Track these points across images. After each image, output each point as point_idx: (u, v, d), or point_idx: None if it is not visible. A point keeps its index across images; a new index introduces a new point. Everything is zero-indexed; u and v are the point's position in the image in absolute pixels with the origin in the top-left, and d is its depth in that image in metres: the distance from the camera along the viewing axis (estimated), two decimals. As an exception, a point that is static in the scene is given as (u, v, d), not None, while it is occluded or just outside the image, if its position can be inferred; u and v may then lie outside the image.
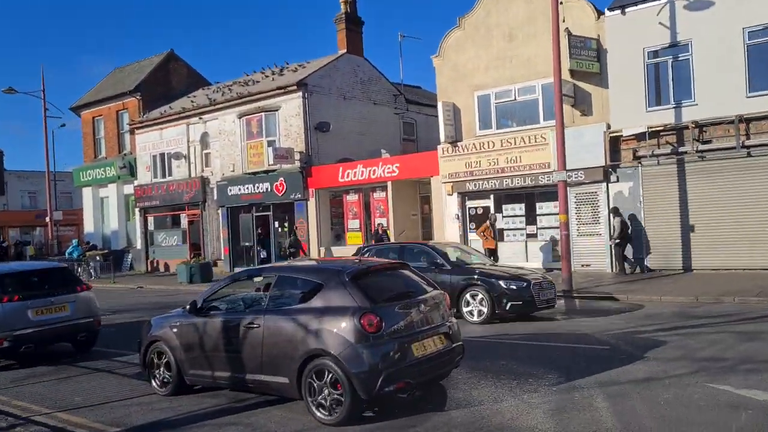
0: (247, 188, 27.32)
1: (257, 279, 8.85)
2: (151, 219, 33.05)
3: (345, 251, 23.44)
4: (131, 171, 33.14)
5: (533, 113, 20.26)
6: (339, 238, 26.01)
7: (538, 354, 9.99)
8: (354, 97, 27.55)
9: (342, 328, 6.70)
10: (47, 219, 35.62)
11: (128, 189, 34.29)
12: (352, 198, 25.29)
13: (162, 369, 8.50)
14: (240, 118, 27.71)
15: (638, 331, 11.18)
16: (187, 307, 8.32)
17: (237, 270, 23.30)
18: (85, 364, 10.97)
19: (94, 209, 36.72)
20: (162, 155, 31.63)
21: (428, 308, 7.31)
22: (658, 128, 17.92)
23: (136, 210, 33.49)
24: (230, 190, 28.06)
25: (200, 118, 29.52)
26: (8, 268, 12.43)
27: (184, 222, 31.35)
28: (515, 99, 20.57)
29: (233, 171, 28.11)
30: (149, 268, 32.65)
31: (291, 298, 7.63)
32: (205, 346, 7.97)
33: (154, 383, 8.64)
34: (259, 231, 27.28)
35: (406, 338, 6.84)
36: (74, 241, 33.76)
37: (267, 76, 28.93)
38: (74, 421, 7.64)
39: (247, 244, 28.17)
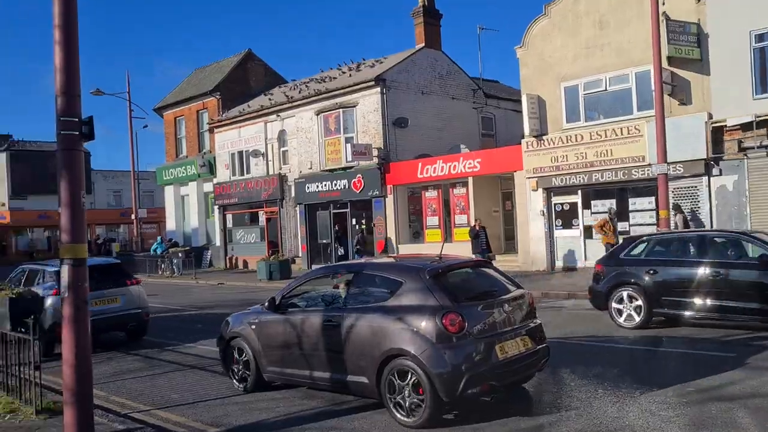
0: (325, 185, 27.24)
1: (336, 276, 8.78)
2: (229, 216, 33.54)
3: (424, 249, 22.97)
4: (211, 169, 33.74)
5: (626, 104, 19.19)
6: (417, 235, 25.56)
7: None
8: (432, 91, 27.03)
9: (423, 327, 6.52)
10: (132, 217, 36.72)
11: (208, 187, 34.93)
12: (431, 194, 24.80)
13: (241, 365, 8.50)
14: (317, 115, 27.67)
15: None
16: (266, 304, 8.26)
17: (314, 267, 23.26)
18: (178, 359, 10.94)
19: (176, 207, 37.62)
20: (240, 153, 32.03)
21: (512, 308, 7.02)
22: (766, 117, 16.60)
23: (215, 208, 34.06)
24: (308, 188, 28.06)
25: (278, 116, 29.68)
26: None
27: (262, 219, 31.63)
28: (606, 89, 19.54)
29: (311, 168, 28.11)
30: (228, 265, 33.15)
31: (370, 296, 7.48)
32: (282, 344, 7.92)
33: (233, 379, 8.66)
34: (337, 228, 27.16)
35: (489, 339, 6.59)
36: (158, 238, 34.72)
37: (344, 73, 28.77)
38: (173, 420, 7.48)
39: (324, 241, 28.11)
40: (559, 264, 20.81)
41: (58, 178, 6.34)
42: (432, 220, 24.78)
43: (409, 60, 26.60)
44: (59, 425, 7.13)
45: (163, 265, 31.73)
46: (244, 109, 31.94)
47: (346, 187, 26.30)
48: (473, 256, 15.55)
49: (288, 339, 7.84)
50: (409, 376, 6.51)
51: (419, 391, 6.44)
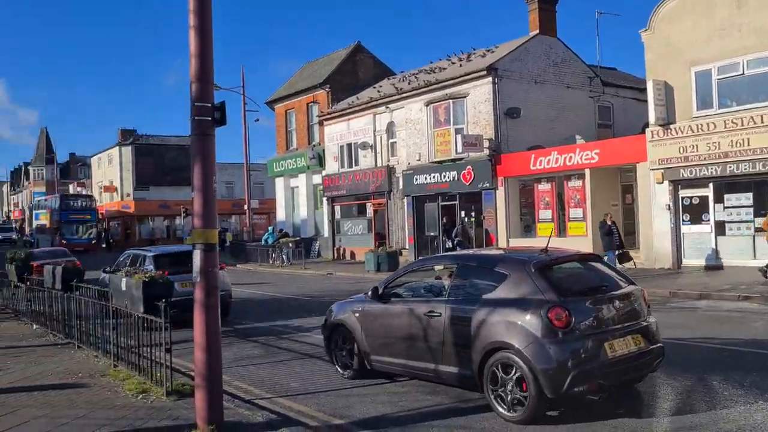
0: (434, 177, 26.92)
1: (439, 267, 8.74)
2: (338, 208, 33.94)
3: (536, 244, 22.17)
4: (320, 161, 34.26)
5: (767, 89, 17.59)
6: (529, 229, 24.75)
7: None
8: (546, 80, 26.04)
9: (527, 321, 6.36)
10: (245, 207, 37.97)
11: (317, 179, 35.53)
12: (544, 187, 23.91)
13: (344, 352, 8.63)
14: (427, 106, 27.38)
15: None
16: (369, 293, 8.34)
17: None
18: (295, 348, 10.99)
19: (286, 198, 38.56)
20: (349, 145, 32.31)
21: (624, 305, 6.74)
22: None
23: (324, 199, 34.58)
24: (416, 179, 27.86)
25: (387, 108, 29.65)
26: (161, 250, 15.88)
27: (369, 211, 31.78)
28: (743, 73, 17.99)
29: (419, 160, 27.88)
30: (335, 256, 33.58)
31: (473, 287, 7.37)
32: (385, 333, 7.96)
33: (336, 365, 8.82)
34: (445, 221, 26.79)
35: (598, 336, 6.34)
36: (269, 229, 35.72)
37: (454, 63, 28.29)
38: (296, 408, 7.41)
39: (432, 233, 27.83)
40: (688, 262, 19.42)
41: (192, 163, 6.38)
42: (544, 214, 23.89)
43: (522, 48, 25.75)
44: (189, 407, 7.23)
45: (273, 255, 32.60)
46: (353, 102, 32.17)
47: (456, 178, 25.86)
48: (586, 251, 14.66)
49: (390, 328, 7.87)
50: (513, 370, 6.37)
51: (522, 386, 6.27)
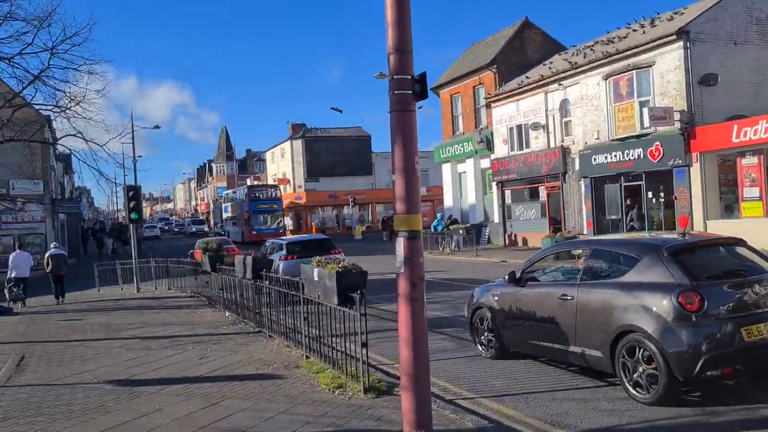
0: (615, 156, 24.87)
1: (576, 251, 8.90)
2: (508, 192, 32.72)
3: (740, 225, 19.61)
4: (488, 145, 33.20)
5: None
6: (730, 209, 22.02)
7: None
8: (747, 41, 22.96)
9: (658, 305, 6.42)
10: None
11: (485, 163, 34.51)
12: (749, 161, 21.06)
13: (485, 333, 9.04)
14: (605, 79, 25.32)
15: None
16: (506, 277, 8.69)
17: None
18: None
19: (453, 184, 37.94)
20: (519, 127, 30.93)
21: (766, 290, 6.48)
22: None
23: (493, 184, 33.50)
24: (594, 159, 25.93)
25: (560, 85, 27.90)
26: (290, 239, 21.15)
27: (542, 194, 30.25)
28: None
29: (597, 138, 25.91)
30: (506, 242, 32.41)
31: (605, 271, 7.51)
32: (521, 315, 8.25)
33: (478, 346, 9.27)
34: (629, 202, 24.67)
35: (734, 320, 6.21)
36: (438, 215, 35.34)
37: (635, 30, 25.91)
38: (505, 413, 6.66)
39: (613, 217, 25.81)
40: None
41: (391, 142, 5.81)
42: (750, 192, 21.07)
43: (717, 6, 22.87)
44: (388, 406, 6.78)
45: (443, 242, 32.14)
46: (522, 81, 30.72)
47: (641, 156, 23.66)
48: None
49: (525, 310, 8.14)
50: (643, 352, 6.45)
51: (653, 369, 6.33)
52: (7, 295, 19.27)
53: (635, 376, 6.54)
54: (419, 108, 34.62)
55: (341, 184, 60.49)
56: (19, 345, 11.97)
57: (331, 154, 61.78)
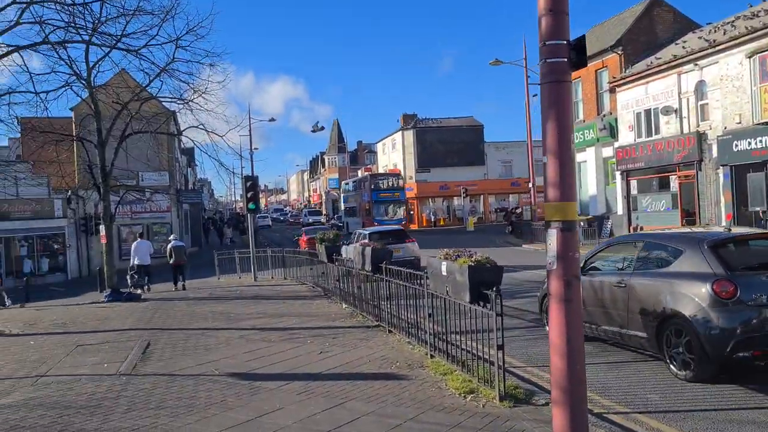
0: (760, 141, 22.47)
1: (631, 244, 9.43)
2: (633, 182, 30.61)
3: None
4: (611, 132, 31.23)
5: None
6: None
7: None
8: None
9: (695, 292, 7.10)
10: (529, 185, 36.50)
11: (607, 152, 32.55)
12: None
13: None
14: (749, 57, 22.89)
15: None
16: None
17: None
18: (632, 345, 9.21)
19: (572, 174, 36.06)
20: (647, 112, 28.79)
21: None
22: None
23: (617, 173, 31.47)
24: (735, 146, 23.58)
25: (695, 65, 25.61)
26: (373, 229, 24.56)
27: (673, 184, 27.99)
28: None
29: (739, 123, 23.53)
30: (631, 236, 30.36)
31: (654, 262, 8.23)
32: (584, 301, 8.22)
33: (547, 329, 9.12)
34: (776, 193, 22.25)
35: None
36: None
37: (785, 2, 23.27)
38: (670, 433, 5.73)
39: (758, 208, 23.37)
40: None
41: (542, 118, 5.03)
42: None
43: None
44: (530, 418, 6.04)
45: (562, 235, 30.57)
46: (651, 62, 28.53)
47: (792, 142, 21.21)
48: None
49: (587, 297, 8.41)
50: (683, 335, 7.20)
51: (691, 350, 7.08)
52: (129, 282, 20.91)
53: (675, 355, 7.34)
54: (534, 96, 33.02)
55: (452, 175, 59.52)
56: (146, 332, 12.17)
57: (443, 145, 60.93)
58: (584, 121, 34.10)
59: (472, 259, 7.03)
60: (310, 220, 68.31)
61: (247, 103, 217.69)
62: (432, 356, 8.62)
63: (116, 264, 37.55)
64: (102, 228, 19.49)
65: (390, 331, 10.71)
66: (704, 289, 6.96)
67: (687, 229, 10.33)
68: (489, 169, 62.20)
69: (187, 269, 23.12)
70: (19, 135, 22.51)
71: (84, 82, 17.30)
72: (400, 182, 51.88)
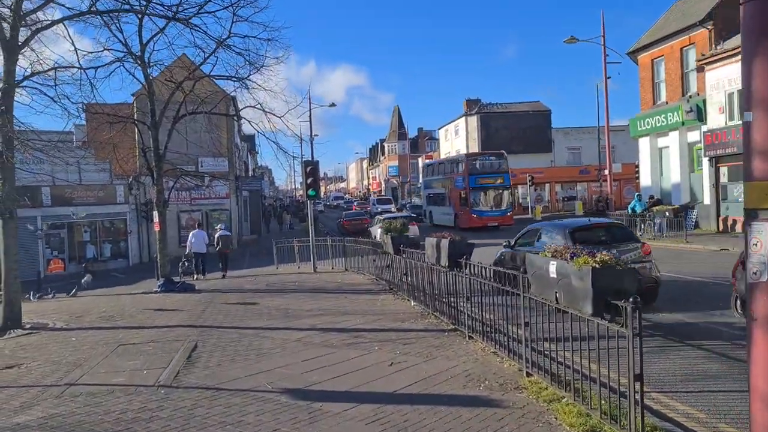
0: None
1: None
2: (723, 170, 27.93)
3: None
4: (698, 115, 28.57)
5: None
6: None
7: None
8: None
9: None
10: (605, 173, 34.15)
11: (693, 136, 29.88)
12: None
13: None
14: None
15: None
16: (504, 244, 13.55)
17: None
18: None
19: (651, 161, 33.54)
20: (741, 92, 26.10)
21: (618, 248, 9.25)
22: None
23: (704, 160, 28.81)
24: None
25: (802, 38, 22.85)
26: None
27: (772, 172, 25.28)
28: None
29: None
30: (720, 227, 27.78)
31: (541, 239, 11.91)
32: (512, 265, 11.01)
33: None
34: None
35: None
36: (636, 196, 31.44)
37: None
38: None
39: None
40: None
41: (745, 56, 3.36)
42: None
43: None
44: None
45: (643, 226, 28.27)
46: (748, 36, 25.80)
47: None
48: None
49: (514, 263, 11.17)
50: None
51: None
52: (179, 269, 21.68)
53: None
54: (616, 75, 30.23)
55: (518, 162, 56.98)
56: (195, 330, 11.00)
57: (508, 131, 58.59)
58: (667, 103, 31.46)
59: (597, 259, 5.38)
60: (379, 209, 57.86)
61: (308, 86, 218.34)
62: (529, 374, 7.05)
63: (175, 251, 37.44)
64: (155, 214, 18.57)
65: (470, 337, 9.17)
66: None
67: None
68: (556, 156, 59.52)
69: (228, 258, 23.29)
70: (75, 123, 21.94)
71: (135, 58, 16.28)
72: (504, 164, 40.96)
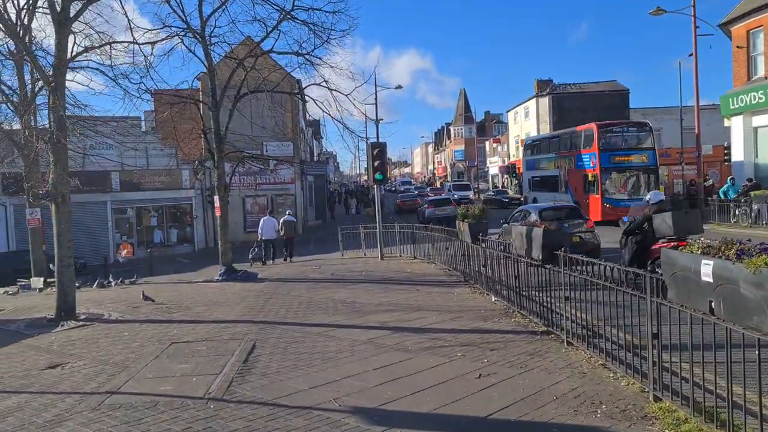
0: None
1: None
2: (832, 150, 25.17)
3: None
4: (805, 90, 25.80)
5: None
6: None
7: None
8: None
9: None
10: (695, 155, 31.61)
11: (795, 114, 27.09)
12: None
13: None
14: None
15: None
16: (502, 222, 17.06)
17: None
18: None
19: (746, 141, 30.74)
20: None
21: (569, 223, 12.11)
22: None
23: (809, 140, 26.06)
24: None
25: None
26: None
27: None
28: None
29: None
30: (827, 215, 25.03)
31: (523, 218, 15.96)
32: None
33: None
34: None
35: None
36: (729, 180, 28.91)
37: None
38: None
39: None
40: None
41: None
42: None
43: None
44: None
45: (737, 212, 25.84)
46: None
47: None
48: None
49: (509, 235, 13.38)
50: None
51: None
52: (250, 255, 22.47)
53: None
54: (689, 55, 27.26)
55: (595, 145, 54.45)
56: (254, 327, 9.98)
57: (582, 112, 55.74)
58: (766, 78, 28.68)
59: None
60: (456, 196, 48.66)
61: (373, 69, 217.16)
62: (657, 398, 5.63)
63: (240, 236, 37.11)
64: (216, 199, 17.75)
65: (569, 343, 7.78)
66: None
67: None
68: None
69: (294, 244, 23.98)
70: (144, 110, 21.47)
71: (195, 33, 15.39)
72: (649, 138, 30.27)
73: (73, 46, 12.15)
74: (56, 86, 10.93)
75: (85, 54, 12.32)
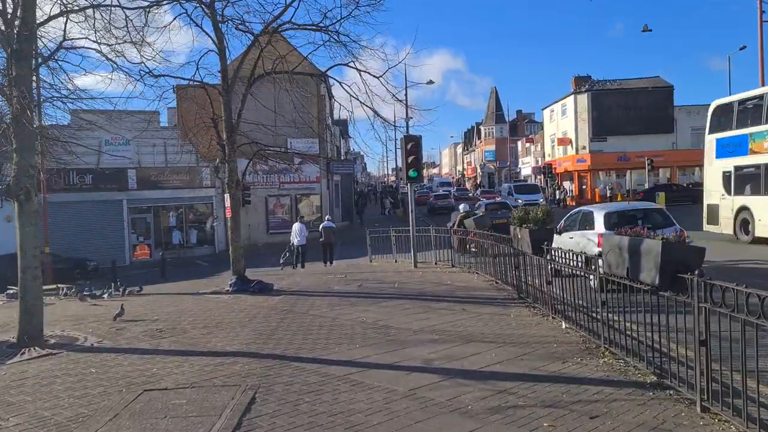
0: None
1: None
2: None
3: None
4: None
5: None
6: None
7: None
8: None
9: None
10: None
11: None
12: None
13: None
14: None
15: None
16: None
17: None
18: None
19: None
20: None
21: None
22: None
23: None
24: None
25: None
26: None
27: None
28: None
29: None
30: None
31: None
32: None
33: None
34: None
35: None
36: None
37: None
38: None
39: None
40: None
41: None
42: None
43: None
44: None
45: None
46: None
47: None
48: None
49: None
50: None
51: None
52: (281, 260, 23.28)
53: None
54: (741, 49, 22.25)
55: (633, 144, 51.42)
56: (259, 364, 7.66)
57: (623, 110, 52.79)
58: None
59: None
60: (521, 201, 38.10)
61: (403, 64, 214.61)
62: None
63: (264, 238, 34.96)
64: (226, 197, 15.54)
65: (705, 409, 5.32)
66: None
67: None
68: (679, 137, 53.22)
69: (334, 249, 24.10)
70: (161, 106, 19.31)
71: (203, 4, 13.19)
72: None
73: (50, 11, 10.05)
74: (20, 52, 8.79)
75: (65, 22, 10.18)
